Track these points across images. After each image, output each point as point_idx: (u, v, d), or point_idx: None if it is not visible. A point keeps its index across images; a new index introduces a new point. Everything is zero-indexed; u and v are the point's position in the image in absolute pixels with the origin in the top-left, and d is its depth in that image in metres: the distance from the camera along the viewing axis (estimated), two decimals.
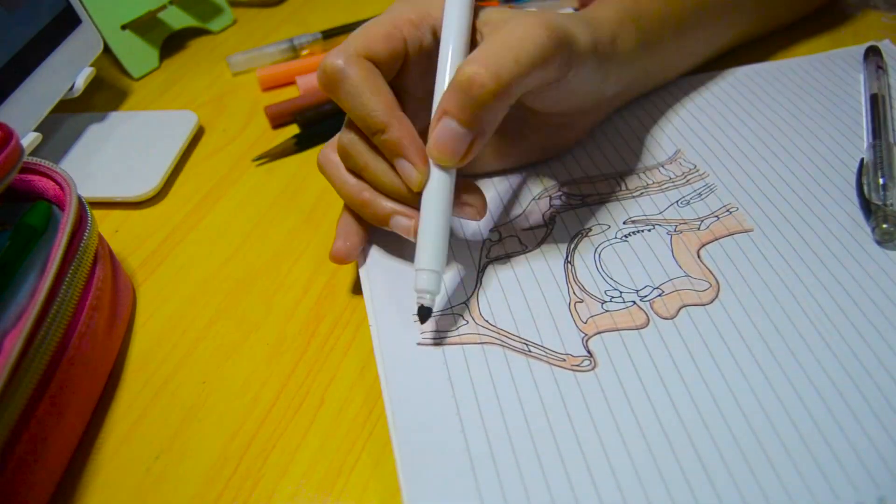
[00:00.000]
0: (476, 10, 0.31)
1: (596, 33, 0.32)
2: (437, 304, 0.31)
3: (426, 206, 0.29)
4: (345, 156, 0.31)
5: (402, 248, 0.34)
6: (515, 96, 0.28)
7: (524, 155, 0.38)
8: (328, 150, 0.33)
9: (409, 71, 0.31)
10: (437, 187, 0.29)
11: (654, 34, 0.37)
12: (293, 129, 0.46)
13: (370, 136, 0.29)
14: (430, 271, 0.28)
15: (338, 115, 0.45)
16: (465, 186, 0.31)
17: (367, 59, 0.29)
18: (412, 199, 0.30)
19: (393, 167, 0.30)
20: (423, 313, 0.29)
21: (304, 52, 0.53)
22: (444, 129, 0.27)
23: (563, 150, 0.38)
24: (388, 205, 0.30)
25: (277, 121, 0.46)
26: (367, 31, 0.30)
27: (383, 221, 0.31)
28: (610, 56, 0.33)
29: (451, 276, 0.32)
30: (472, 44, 0.31)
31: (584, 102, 0.35)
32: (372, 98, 0.28)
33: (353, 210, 0.33)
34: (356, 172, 0.31)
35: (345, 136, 0.31)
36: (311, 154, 0.44)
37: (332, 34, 0.54)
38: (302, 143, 0.44)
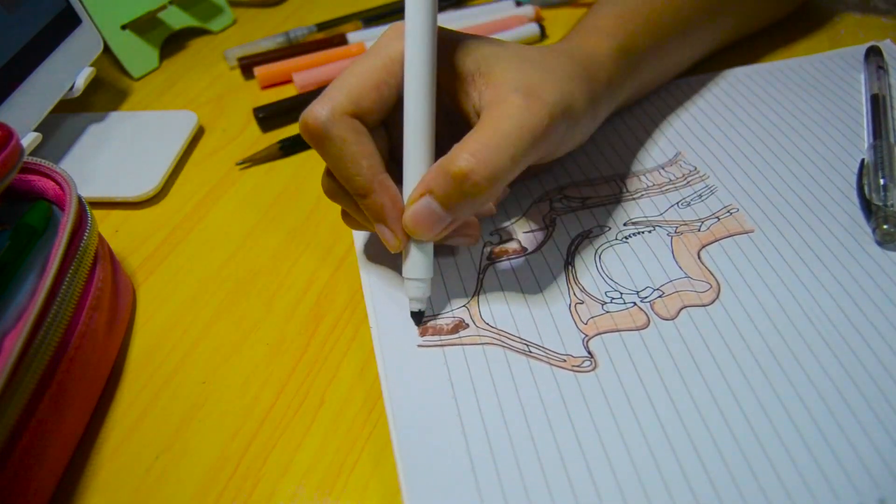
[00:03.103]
0: (456, 42, 0.29)
1: (592, 83, 0.30)
2: (437, 308, 0.31)
3: None
4: (331, 197, 0.30)
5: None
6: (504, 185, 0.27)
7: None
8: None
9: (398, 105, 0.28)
10: None
11: (641, 59, 0.36)
12: (284, 133, 0.46)
13: (353, 196, 0.28)
14: (418, 280, 0.29)
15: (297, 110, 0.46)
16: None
17: (354, 115, 0.27)
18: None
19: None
20: (416, 318, 0.30)
21: None
22: (425, 207, 0.26)
23: (554, 162, 0.36)
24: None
25: (265, 121, 0.46)
26: (354, 79, 0.27)
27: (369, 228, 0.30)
28: (604, 99, 0.32)
29: (452, 277, 0.32)
30: (451, 71, 0.28)
31: (574, 141, 0.33)
32: (355, 163, 0.27)
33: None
34: None
35: (326, 183, 0.30)
36: (312, 154, 0.44)
37: (326, 27, 0.56)
38: (286, 149, 0.43)
